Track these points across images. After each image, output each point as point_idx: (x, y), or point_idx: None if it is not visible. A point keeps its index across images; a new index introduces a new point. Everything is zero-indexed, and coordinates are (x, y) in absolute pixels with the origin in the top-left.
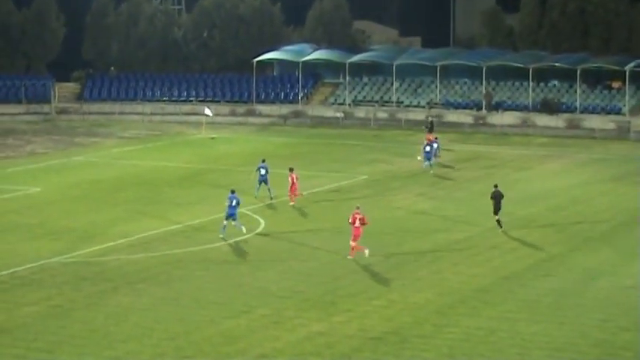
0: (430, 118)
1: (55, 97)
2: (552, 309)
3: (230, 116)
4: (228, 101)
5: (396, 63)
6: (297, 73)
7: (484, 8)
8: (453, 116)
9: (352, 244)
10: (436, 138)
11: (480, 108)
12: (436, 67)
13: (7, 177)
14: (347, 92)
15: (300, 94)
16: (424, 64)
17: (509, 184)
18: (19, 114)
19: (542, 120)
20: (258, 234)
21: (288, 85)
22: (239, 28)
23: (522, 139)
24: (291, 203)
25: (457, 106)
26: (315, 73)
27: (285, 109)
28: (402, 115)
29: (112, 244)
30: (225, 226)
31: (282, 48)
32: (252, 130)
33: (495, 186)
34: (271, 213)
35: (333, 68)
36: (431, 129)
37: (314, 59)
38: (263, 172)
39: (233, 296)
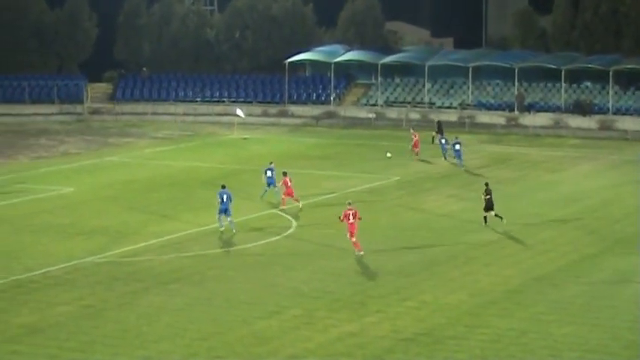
0: (438, 119)
1: (87, 97)
2: (584, 310)
3: (262, 117)
4: (260, 102)
5: (428, 64)
6: (329, 74)
7: (516, 9)
8: (485, 117)
9: (353, 240)
10: (441, 135)
11: (512, 109)
12: (468, 68)
13: (40, 177)
14: (379, 93)
15: (333, 95)
16: (456, 65)
17: (541, 186)
18: (52, 114)
19: (575, 121)
20: (289, 234)
21: (321, 86)
22: (271, 28)
23: (554, 140)
24: (283, 207)
25: (489, 108)
26: (347, 74)
27: (317, 110)
28: (434, 116)
29: (144, 244)
30: (220, 219)
31: (315, 49)
32: (284, 130)
33: (486, 184)
34: (303, 213)
35: (366, 69)
36: (439, 129)
37: (346, 60)
38: (270, 174)
39: (265, 297)
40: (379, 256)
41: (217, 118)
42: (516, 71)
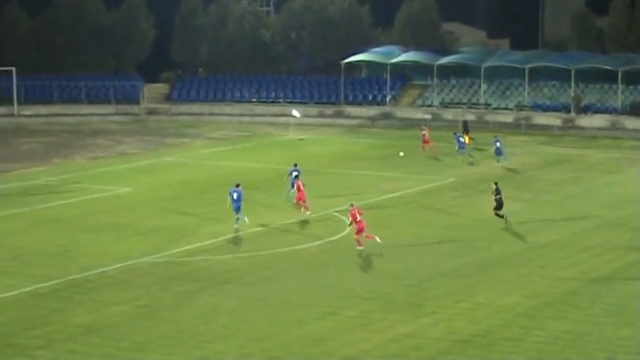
0: (463, 118)
1: (144, 97)
2: None
3: (318, 117)
4: (316, 103)
5: (484, 65)
6: (385, 75)
7: (573, 10)
8: (541, 119)
9: (366, 234)
10: (455, 133)
11: (568, 111)
12: (525, 69)
13: (97, 177)
14: (435, 94)
15: (389, 96)
16: (513, 66)
17: (598, 188)
18: (109, 114)
19: (632, 123)
20: (344, 235)
21: (377, 87)
22: (327, 29)
23: (611, 142)
24: (308, 212)
25: (545, 109)
26: (403, 74)
27: (373, 110)
28: (490, 118)
29: (200, 244)
30: (240, 218)
31: (371, 50)
32: (340, 131)
33: (495, 183)
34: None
35: (422, 70)
36: (465, 129)
37: (402, 61)
38: (295, 174)
39: (320, 297)
40: (434, 257)
41: (273, 119)
42: (573, 73)
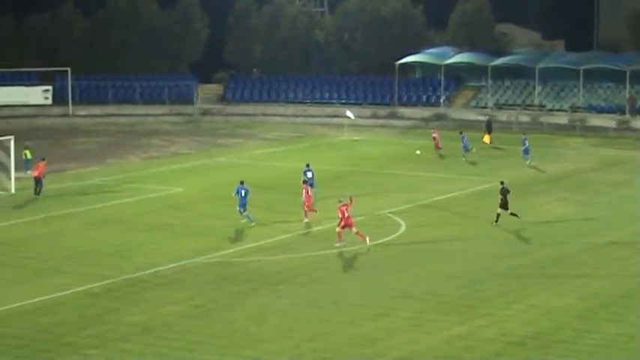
0: (487, 117)
1: (197, 98)
2: None
3: (372, 119)
4: (370, 104)
5: (538, 66)
6: (439, 76)
7: (629, 10)
8: (596, 120)
9: (357, 232)
10: (461, 132)
11: (623, 112)
12: (579, 70)
13: (151, 177)
14: (489, 95)
15: (442, 97)
16: (567, 67)
17: None
18: (163, 115)
19: None
20: (398, 236)
21: (430, 88)
22: (381, 30)
23: None
24: (306, 220)
25: (600, 111)
26: (457, 76)
27: (426, 112)
28: (544, 119)
29: (253, 244)
30: (247, 216)
31: (425, 51)
32: (393, 132)
33: (502, 183)
34: (412, 215)
35: (476, 71)
36: (488, 128)
37: (456, 62)
38: (309, 175)
39: (372, 298)
40: (488, 258)
41: (327, 120)
42: (628, 74)
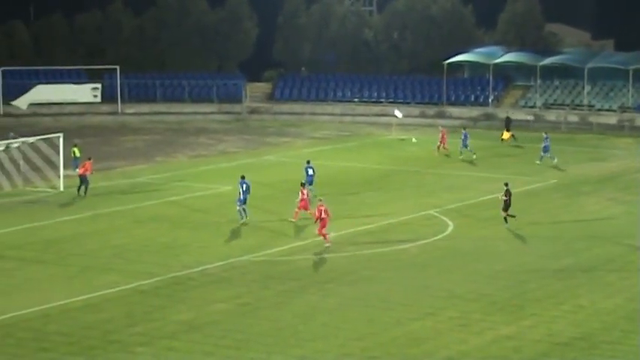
0: (506, 114)
1: (246, 96)
2: None
3: (420, 118)
4: (418, 103)
5: (587, 66)
6: (487, 76)
7: None
8: None
9: (323, 232)
10: (464, 128)
11: None
12: (629, 70)
13: (199, 175)
14: (537, 95)
15: (491, 97)
16: (617, 67)
17: None
18: (211, 113)
19: None
20: (445, 236)
21: (479, 88)
22: (430, 29)
23: None
24: (293, 219)
25: None
26: (505, 75)
27: (475, 111)
28: (593, 119)
29: (300, 243)
30: (240, 211)
31: (473, 50)
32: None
33: (506, 184)
34: (459, 215)
35: (524, 71)
36: (507, 126)
37: (505, 62)
38: (310, 172)
39: (420, 298)
40: (536, 258)
41: (375, 119)
42: None
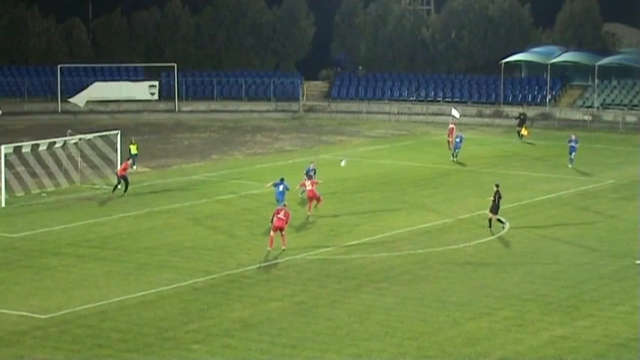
0: (521, 111)
1: (303, 95)
2: None
3: (477, 117)
4: (475, 102)
5: None
6: (545, 75)
7: None
8: None
9: (272, 234)
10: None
11: None
12: None
13: (255, 173)
14: (595, 95)
15: (548, 97)
16: None
17: None
18: (268, 111)
19: None
20: (502, 236)
21: (536, 87)
22: (488, 29)
23: None
24: (308, 213)
25: None
26: (563, 75)
27: (532, 111)
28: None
29: (356, 242)
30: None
31: (530, 49)
32: (498, 131)
33: (497, 185)
34: (516, 215)
35: (582, 71)
36: (522, 122)
37: (562, 61)
38: (312, 174)
39: (476, 298)
40: (592, 259)
41: (432, 118)
42: None
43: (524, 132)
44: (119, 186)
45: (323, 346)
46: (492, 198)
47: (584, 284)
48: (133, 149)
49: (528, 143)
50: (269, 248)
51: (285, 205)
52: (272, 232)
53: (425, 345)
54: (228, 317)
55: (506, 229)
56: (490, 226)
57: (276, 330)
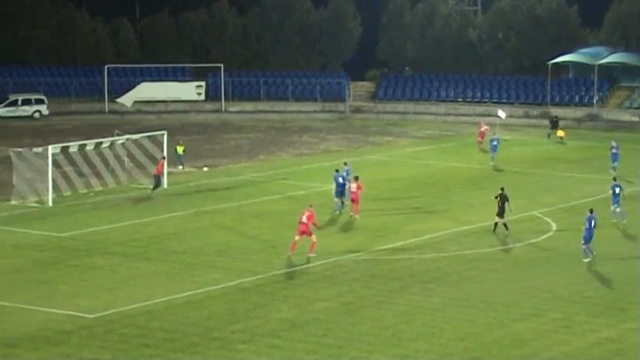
0: (553, 114)
1: (349, 95)
2: None
3: (523, 118)
4: (522, 103)
5: None
6: (592, 76)
7: None
8: None
9: (297, 239)
10: (494, 134)
11: None
12: None
13: (301, 174)
14: None
15: (595, 98)
16: None
17: None
18: (315, 112)
19: None
20: (548, 237)
21: (583, 88)
22: (535, 29)
23: None
24: (355, 215)
25: None
26: (610, 76)
27: (579, 112)
28: None
29: (402, 243)
30: (338, 203)
31: (578, 50)
32: (545, 132)
33: (502, 189)
34: (562, 216)
35: (630, 72)
36: (554, 124)
37: (610, 62)
38: (341, 180)
39: (522, 299)
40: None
41: (478, 119)
42: None
43: (560, 134)
44: (157, 187)
45: (369, 347)
46: (496, 198)
47: (630, 286)
48: (180, 150)
49: (563, 144)
50: (289, 253)
51: (311, 206)
52: (296, 237)
53: (471, 346)
54: (274, 317)
55: (554, 230)
56: (494, 230)
57: (322, 330)
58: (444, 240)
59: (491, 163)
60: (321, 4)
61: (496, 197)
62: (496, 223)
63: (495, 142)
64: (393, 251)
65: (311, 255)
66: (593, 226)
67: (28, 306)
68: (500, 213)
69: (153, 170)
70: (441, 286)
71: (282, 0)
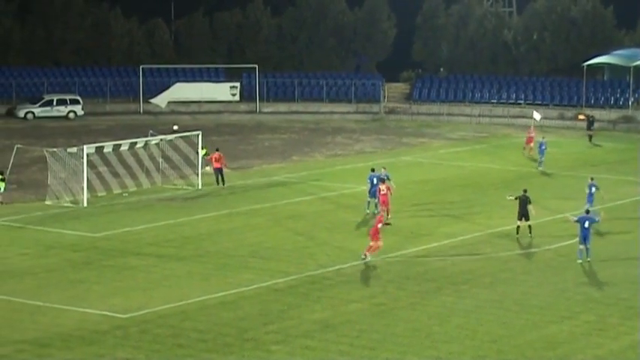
0: (588, 115)
1: (384, 96)
2: None
3: (558, 120)
4: (556, 105)
5: None
6: (627, 78)
7: None
8: None
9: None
10: (543, 137)
11: None
12: None
13: (335, 175)
14: None
15: (631, 100)
16: None
17: None
18: (349, 113)
19: None
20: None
21: (618, 90)
22: (570, 31)
23: None
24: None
25: None
26: None
27: (614, 114)
28: None
29: (436, 244)
30: (369, 203)
31: (613, 52)
32: (579, 134)
33: (525, 191)
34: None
35: None
36: (590, 125)
37: None
38: (375, 181)
39: (556, 301)
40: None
41: (513, 120)
42: None
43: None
44: (219, 182)
45: (402, 348)
46: (516, 199)
47: None
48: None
49: (596, 145)
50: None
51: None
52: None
53: (504, 348)
54: (307, 318)
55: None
56: (517, 233)
57: (355, 331)
58: (477, 242)
59: (540, 168)
60: (356, 4)
61: (516, 198)
62: (518, 227)
63: (543, 147)
64: (426, 252)
65: (367, 256)
66: (587, 227)
67: (62, 306)
68: (522, 216)
69: (188, 171)
70: (474, 288)
71: (317, 1)
